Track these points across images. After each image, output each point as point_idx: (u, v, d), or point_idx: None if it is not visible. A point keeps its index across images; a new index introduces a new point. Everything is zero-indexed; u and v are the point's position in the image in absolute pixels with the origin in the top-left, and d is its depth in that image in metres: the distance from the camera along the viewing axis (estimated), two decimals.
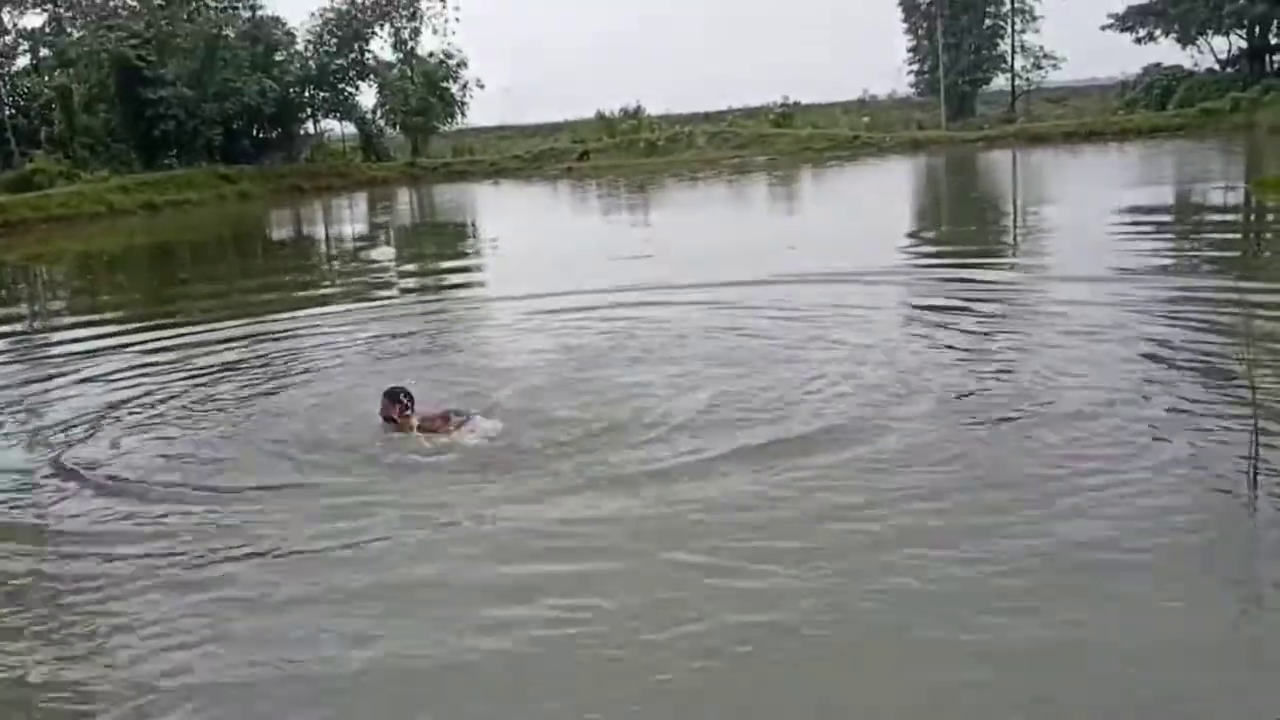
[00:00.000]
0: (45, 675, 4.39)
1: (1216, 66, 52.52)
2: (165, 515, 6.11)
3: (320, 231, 33.22)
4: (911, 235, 20.45)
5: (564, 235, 25.94)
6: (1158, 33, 53.32)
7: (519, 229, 28.63)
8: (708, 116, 60.22)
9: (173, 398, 9.23)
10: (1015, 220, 22.00)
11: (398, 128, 57.98)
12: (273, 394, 9.17)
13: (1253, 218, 19.60)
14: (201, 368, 10.57)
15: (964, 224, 21.89)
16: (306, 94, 55.67)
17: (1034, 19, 58.67)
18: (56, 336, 14.45)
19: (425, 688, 4.20)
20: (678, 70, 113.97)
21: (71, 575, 5.44)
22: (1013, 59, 59.53)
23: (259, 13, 53.22)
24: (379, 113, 57.51)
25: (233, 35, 50.44)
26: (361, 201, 43.09)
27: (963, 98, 60.57)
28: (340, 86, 55.96)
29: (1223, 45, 52.41)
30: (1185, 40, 52.51)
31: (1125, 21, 54.33)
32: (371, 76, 56.47)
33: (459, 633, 4.54)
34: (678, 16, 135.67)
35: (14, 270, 25.22)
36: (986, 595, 4.64)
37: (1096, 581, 4.73)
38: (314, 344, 12.00)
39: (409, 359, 10.62)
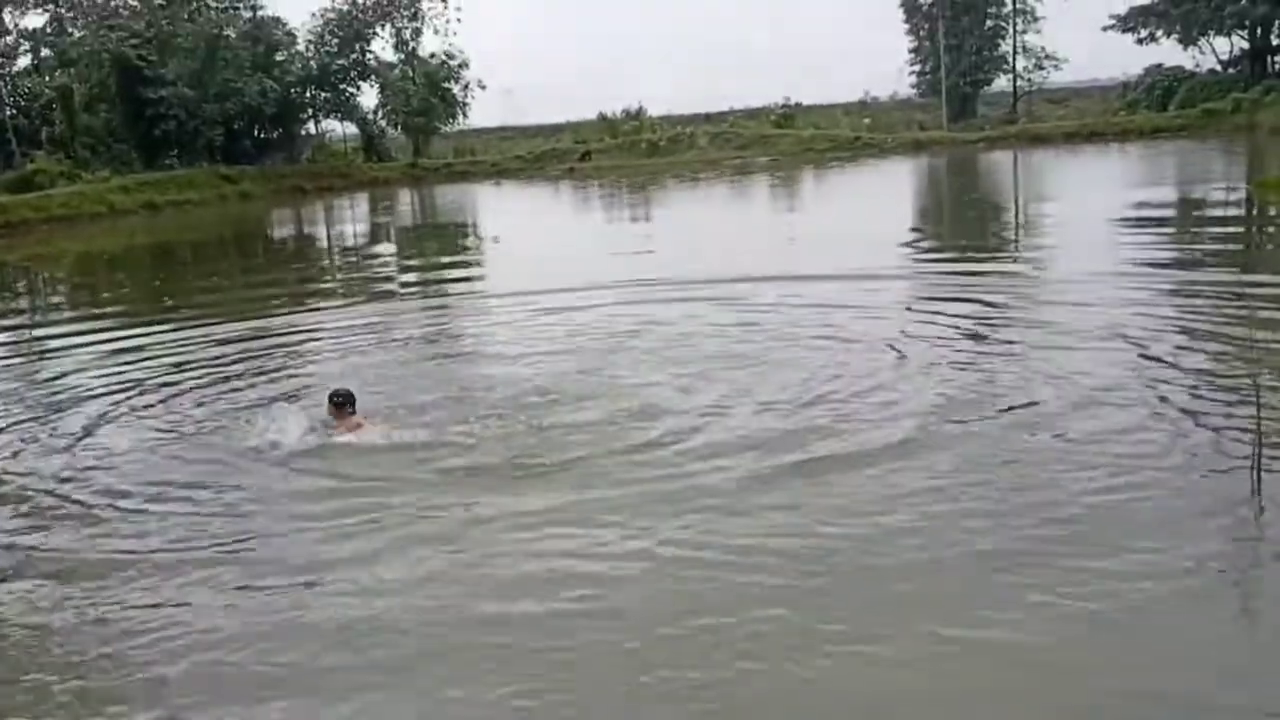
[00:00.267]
0: None
1: (1218, 67, 52.50)
2: (131, 534, 5.97)
3: (321, 232, 33.19)
4: (914, 235, 20.44)
5: (566, 234, 25.95)
6: (1159, 33, 53.26)
7: (521, 229, 28.64)
8: (709, 117, 60.16)
9: (163, 399, 9.23)
10: (1017, 219, 21.97)
11: (399, 128, 57.94)
12: (260, 394, 9.14)
13: (1255, 218, 19.56)
14: (196, 365, 10.59)
15: (966, 223, 21.87)
16: (308, 94, 55.66)
17: (1035, 20, 58.69)
18: (54, 334, 14.42)
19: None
20: (679, 71, 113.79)
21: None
22: (1014, 60, 59.55)
23: (260, 13, 53.26)
24: (380, 113, 57.49)
25: (234, 35, 50.39)
26: (363, 202, 43.08)
27: (964, 99, 60.53)
28: (341, 87, 55.92)
29: (1224, 46, 52.54)
30: (1187, 41, 52.46)
31: (1127, 22, 54.28)
32: (373, 77, 56.43)
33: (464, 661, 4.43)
34: (680, 18, 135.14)
35: (15, 270, 25.18)
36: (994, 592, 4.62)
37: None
38: (313, 343, 12.00)
39: (408, 357, 10.61)
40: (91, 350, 12.16)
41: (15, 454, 7.73)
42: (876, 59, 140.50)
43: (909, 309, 11.73)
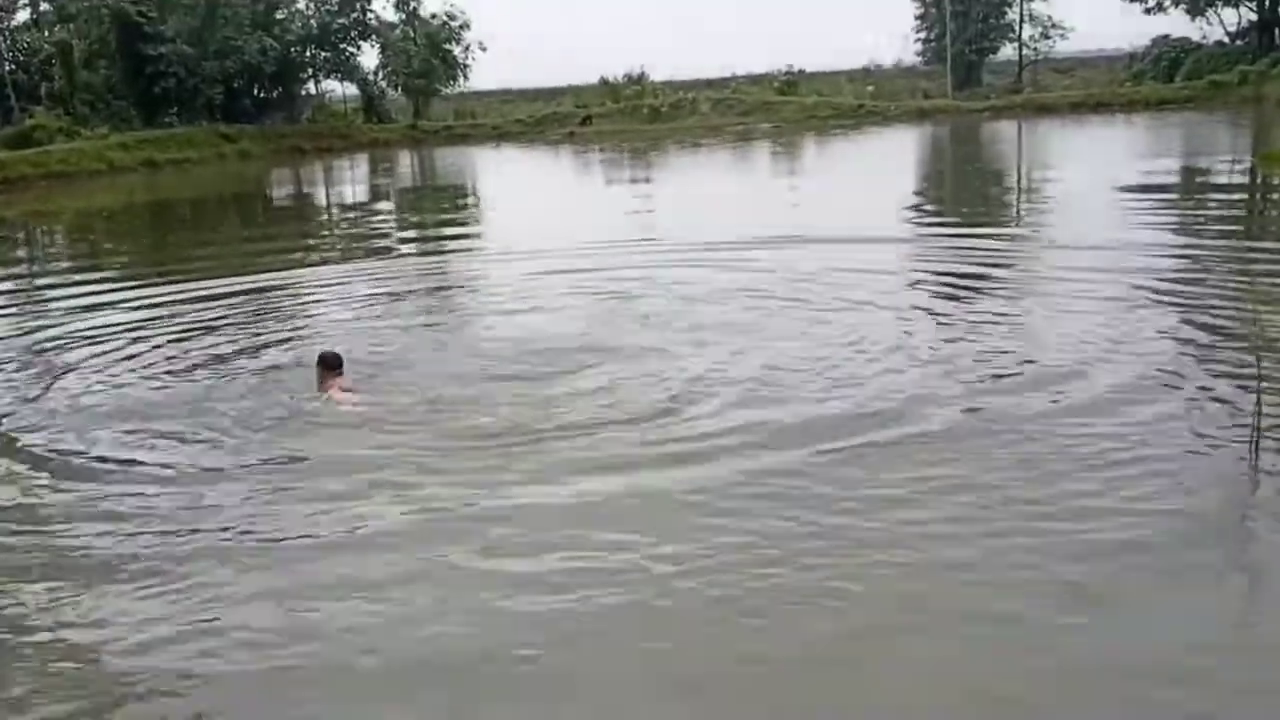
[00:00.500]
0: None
1: (1225, 39, 52.08)
2: (123, 496, 5.77)
3: (321, 192, 33.03)
4: (915, 202, 20.37)
5: (566, 197, 25.84)
6: (1167, 3, 52.74)
7: (521, 191, 28.54)
8: (711, 83, 59.77)
9: (154, 357, 9.21)
10: (1019, 189, 21.87)
11: (399, 89, 57.64)
12: (253, 354, 9.07)
13: (1259, 190, 19.47)
14: (190, 324, 10.57)
15: (967, 192, 21.78)
16: (308, 53, 55.23)
17: None
18: (52, 292, 14.37)
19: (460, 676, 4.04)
20: (682, 37, 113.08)
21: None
22: (1020, 28, 59.00)
23: None
24: (381, 74, 57.19)
25: None
26: (363, 163, 42.88)
27: (969, 67, 60.09)
28: (342, 46, 55.54)
29: (1232, 18, 52.07)
30: (1194, 12, 51.95)
31: None
32: (373, 37, 56.04)
33: (486, 618, 4.36)
34: None
35: (13, 226, 25.08)
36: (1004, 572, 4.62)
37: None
38: (307, 302, 11.98)
39: (405, 317, 10.58)
40: (85, 303, 12.14)
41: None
42: (881, 26, 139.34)
43: (911, 275, 11.71)
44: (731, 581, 4.50)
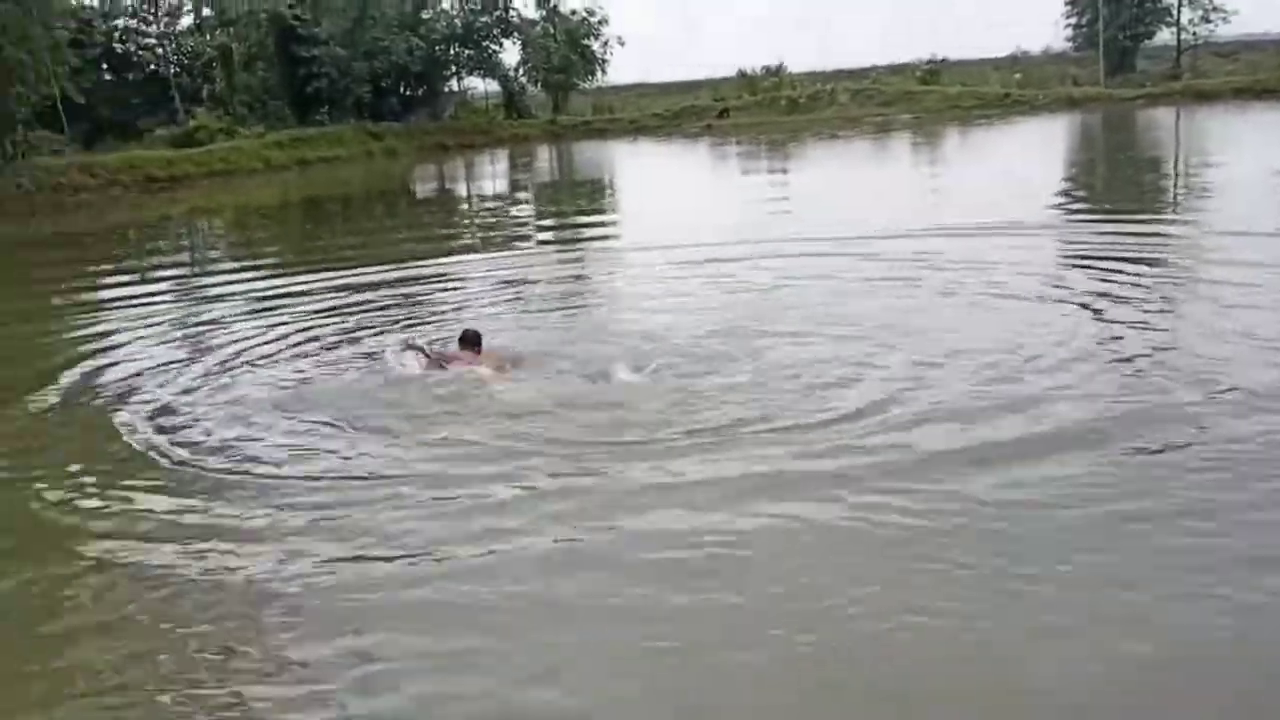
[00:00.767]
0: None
1: None
2: (267, 505, 5.58)
3: (462, 187, 33.81)
4: (1065, 190, 19.63)
5: (703, 190, 25.80)
6: None
7: (658, 184, 28.64)
8: (851, 74, 58.81)
9: (308, 345, 9.57)
10: (1177, 177, 20.84)
11: (539, 85, 58.58)
12: (394, 336, 9.28)
13: None
14: (339, 311, 10.98)
15: (1120, 179, 20.88)
16: (452, 52, 56.70)
17: None
18: (213, 281, 15.10)
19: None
20: (822, 27, 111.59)
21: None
22: (1178, 12, 56.05)
23: None
24: (521, 70, 58.26)
25: None
26: (503, 158, 43.70)
27: (1123, 53, 57.45)
28: (484, 44, 56.89)
29: None
30: None
31: None
32: (515, 34, 57.16)
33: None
34: None
35: (176, 222, 26.46)
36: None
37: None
38: (451, 290, 12.27)
39: (545, 307, 10.73)
40: (245, 295, 12.74)
41: (160, 390, 8.10)
42: (1029, 12, 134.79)
43: (1064, 263, 11.29)
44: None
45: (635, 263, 13.82)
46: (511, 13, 56.99)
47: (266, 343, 9.53)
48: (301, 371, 8.38)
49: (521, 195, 28.77)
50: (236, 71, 48.24)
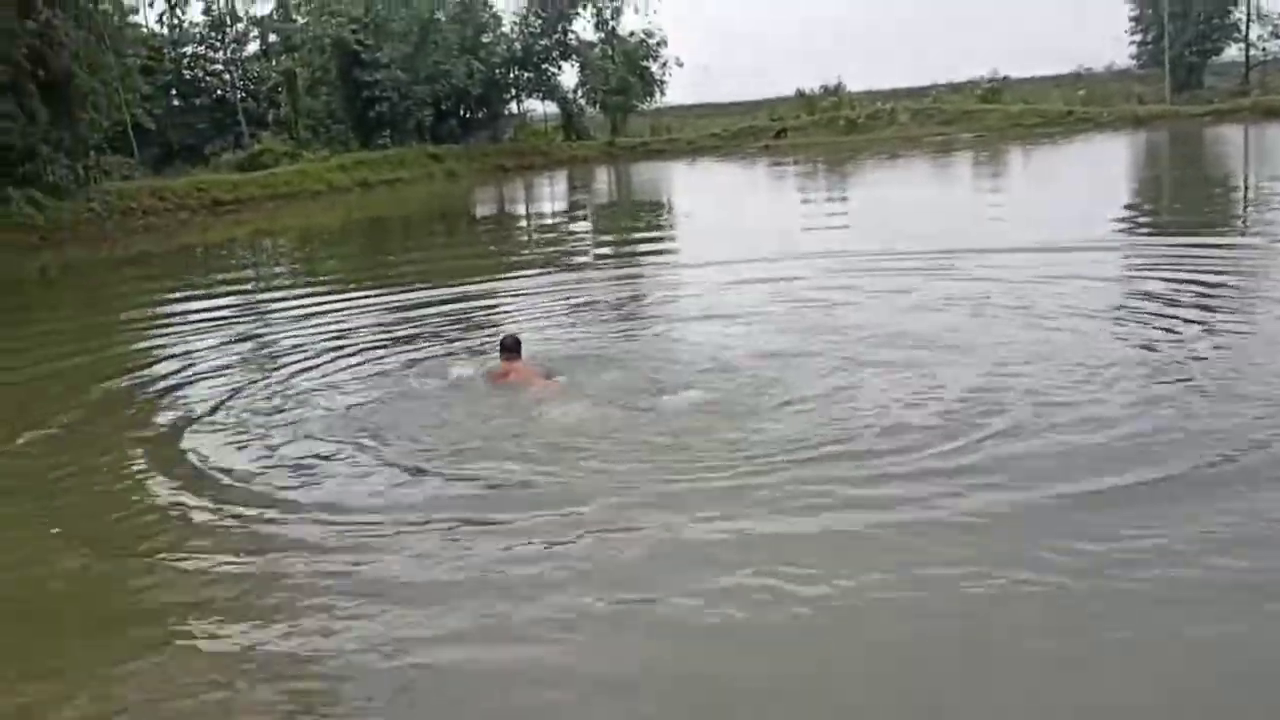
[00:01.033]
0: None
1: None
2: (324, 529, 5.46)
3: (522, 209, 33.99)
4: (1131, 206, 19.20)
5: (761, 210, 25.66)
6: None
7: (716, 204, 28.54)
8: (910, 93, 58.32)
9: (365, 365, 9.58)
10: (1246, 195, 20.25)
11: (598, 106, 58.94)
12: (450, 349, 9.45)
13: None
14: (396, 329, 11.01)
15: (1188, 198, 20.34)
16: (511, 75, 57.33)
17: None
18: (277, 297, 15.26)
19: None
20: (880, 45, 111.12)
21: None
22: (1247, 27, 54.81)
23: None
24: (580, 92, 58.71)
25: (444, 19, 52.19)
26: (561, 180, 43.92)
27: (1190, 69, 56.32)
28: (543, 67, 57.45)
29: None
30: None
31: None
32: (574, 56, 57.63)
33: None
34: None
35: (241, 244, 26.89)
36: None
37: None
38: (508, 306, 12.28)
39: (601, 327, 10.65)
40: (307, 311, 12.84)
41: (226, 405, 8.16)
42: (1094, 29, 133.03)
43: (1133, 283, 10.96)
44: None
45: (692, 281, 13.69)
46: (570, 35, 57.52)
47: (327, 359, 9.57)
48: (360, 388, 8.37)
49: (579, 215, 28.82)
50: (301, 96, 49.10)
